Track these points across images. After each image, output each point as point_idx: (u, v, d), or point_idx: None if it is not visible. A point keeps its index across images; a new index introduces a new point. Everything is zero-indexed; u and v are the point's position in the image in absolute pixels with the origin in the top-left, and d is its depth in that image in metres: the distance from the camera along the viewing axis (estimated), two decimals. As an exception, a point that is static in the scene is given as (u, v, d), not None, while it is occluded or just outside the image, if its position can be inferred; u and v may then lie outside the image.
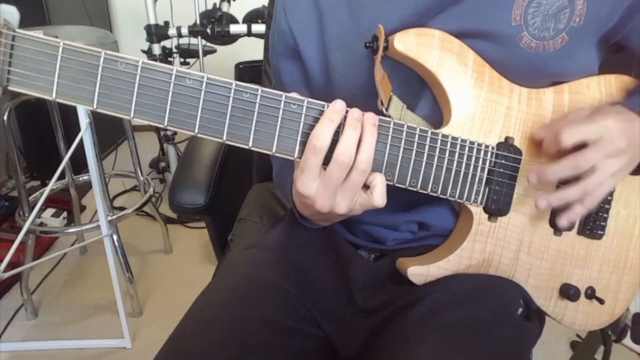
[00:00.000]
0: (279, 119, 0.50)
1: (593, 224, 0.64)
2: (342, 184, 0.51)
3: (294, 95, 0.50)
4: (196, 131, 0.48)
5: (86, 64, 0.45)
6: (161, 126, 0.48)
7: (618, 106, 0.57)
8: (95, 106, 0.46)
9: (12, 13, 0.44)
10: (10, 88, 0.45)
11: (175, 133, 2.21)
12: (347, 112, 0.50)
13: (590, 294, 0.66)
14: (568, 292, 0.64)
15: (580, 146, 0.54)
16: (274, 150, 0.51)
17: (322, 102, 0.51)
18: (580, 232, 0.65)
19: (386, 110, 0.57)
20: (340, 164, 0.49)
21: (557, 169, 0.55)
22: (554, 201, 0.57)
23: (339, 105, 0.50)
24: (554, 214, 0.62)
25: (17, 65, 0.44)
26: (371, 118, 0.51)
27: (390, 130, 0.54)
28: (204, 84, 0.47)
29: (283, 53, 0.69)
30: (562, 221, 0.59)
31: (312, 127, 0.51)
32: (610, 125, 0.54)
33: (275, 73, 0.71)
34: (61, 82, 0.45)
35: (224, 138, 0.49)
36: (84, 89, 0.46)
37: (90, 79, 0.45)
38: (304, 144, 0.51)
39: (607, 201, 0.65)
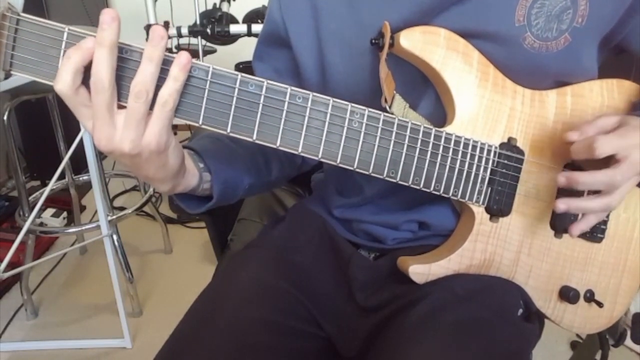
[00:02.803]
0: (284, 112, 0.50)
1: (593, 227, 0.64)
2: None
3: (299, 89, 0.50)
4: (200, 122, 0.48)
5: None
6: None
7: None
8: None
9: None
10: (13, 72, 0.44)
11: (175, 133, 2.21)
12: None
13: (589, 297, 0.66)
14: (567, 295, 0.64)
15: (607, 159, 0.53)
16: (278, 144, 0.50)
17: (328, 97, 0.51)
18: (581, 235, 0.65)
19: (389, 108, 0.57)
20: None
21: (592, 181, 0.53)
22: (574, 209, 0.56)
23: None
24: (555, 216, 0.62)
25: (21, 50, 0.43)
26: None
27: (395, 127, 0.54)
28: (210, 74, 0.47)
29: (271, 42, 0.68)
30: (575, 230, 0.58)
31: (317, 121, 0.51)
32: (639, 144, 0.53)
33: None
34: None
35: (228, 130, 0.49)
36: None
37: None
38: (308, 138, 0.51)
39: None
